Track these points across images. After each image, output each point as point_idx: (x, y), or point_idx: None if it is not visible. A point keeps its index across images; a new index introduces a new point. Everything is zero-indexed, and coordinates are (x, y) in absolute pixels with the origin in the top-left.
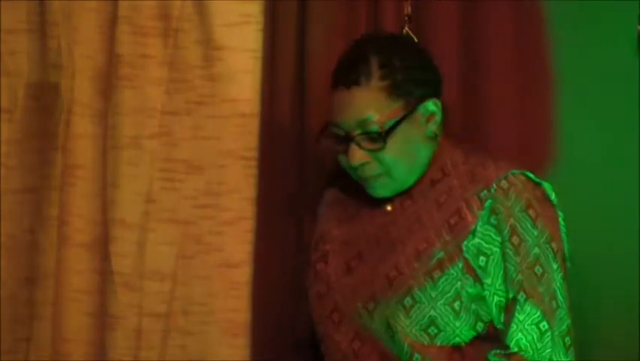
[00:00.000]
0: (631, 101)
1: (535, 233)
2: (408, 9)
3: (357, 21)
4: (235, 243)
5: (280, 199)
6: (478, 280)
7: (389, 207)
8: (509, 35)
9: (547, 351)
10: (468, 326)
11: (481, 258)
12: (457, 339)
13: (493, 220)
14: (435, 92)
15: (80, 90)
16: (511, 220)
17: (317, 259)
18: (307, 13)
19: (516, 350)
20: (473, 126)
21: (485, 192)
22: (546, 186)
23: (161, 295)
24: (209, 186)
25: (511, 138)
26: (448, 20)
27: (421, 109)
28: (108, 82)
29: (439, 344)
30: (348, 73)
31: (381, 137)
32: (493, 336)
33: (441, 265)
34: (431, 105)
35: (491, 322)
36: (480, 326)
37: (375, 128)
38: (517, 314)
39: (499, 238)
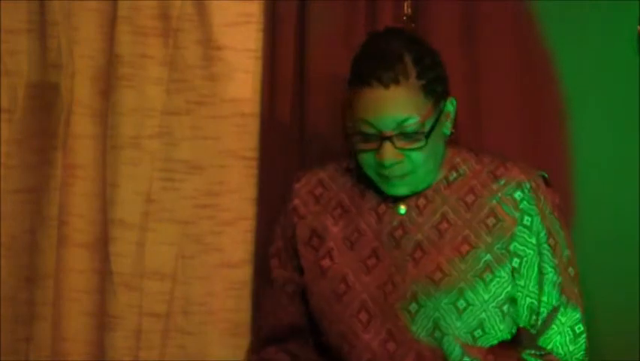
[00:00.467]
0: (631, 101)
1: (563, 235)
2: (408, 9)
3: (357, 21)
4: (235, 243)
5: (280, 199)
6: (513, 282)
7: (402, 206)
8: (509, 36)
9: (580, 353)
10: (508, 328)
11: (515, 260)
12: (495, 341)
13: (526, 222)
14: (449, 90)
15: (80, 90)
16: (546, 222)
17: (320, 256)
18: (307, 13)
19: (550, 350)
20: (474, 128)
21: (519, 193)
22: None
23: (160, 295)
24: (209, 186)
25: (512, 138)
26: (448, 20)
27: (444, 107)
28: (108, 82)
29: (479, 345)
30: (384, 71)
31: (422, 136)
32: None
33: (490, 268)
34: (450, 103)
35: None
36: (514, 329)
37: (414, 128)
38: (559, 316)
39: (532, 240)
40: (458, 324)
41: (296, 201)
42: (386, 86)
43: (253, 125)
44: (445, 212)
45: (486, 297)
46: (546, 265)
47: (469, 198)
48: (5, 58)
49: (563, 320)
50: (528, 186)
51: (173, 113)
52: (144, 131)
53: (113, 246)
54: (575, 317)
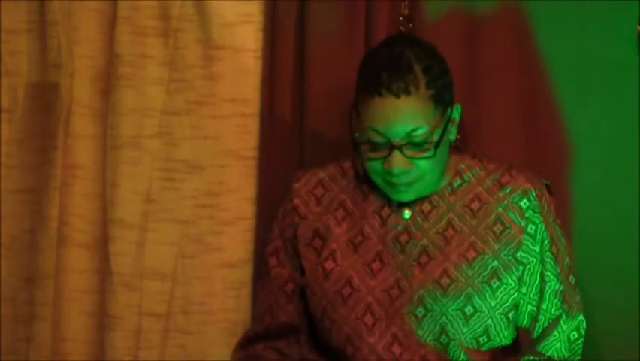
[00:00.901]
0: (631, 101)
1: (564, 243)
2: (405, 9)
3: (356, 21)
4: (235, 243)
5: (280, 199)
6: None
7: (407, 211)
8: (509, 36)
9: (577, 359)
10: (511, 335)
11: (520, 267)
12: (498, 347)
13: (530, 230)
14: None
15: (80, 90)
16: (550, 230)
17: (323, 258)
18: (307, 13)
19: (549, 357)
20: (473, 128)
21: (525, 201)
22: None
23: (160, 295)
24: (209, 186)
25: (512, 138)
26: (448, 20)
27: (451, 114)
28: (108, 82)
29: (483, 350)
30: (395, 81)
31: (431, 146)
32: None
33: (497, 274)
34: (457, 110)
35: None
36: (515, 335)
37: (423, 138)
38: (562, 324)
39: (536, 248)
40: (465, 330)
41: (296, 201)
42: (397, 95)
43: (253, 125)
44: (450, 219)
45: (493, 303)
46: (549, 273)
47: (475, 205)
48: (5, 58)
49: (565, 327)
50: (533, 194)
51: (173, 112)
52: (144, 131)
53: (113, 246)
54: (575, 325)
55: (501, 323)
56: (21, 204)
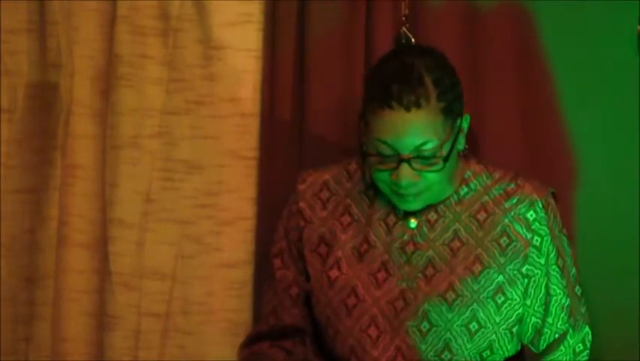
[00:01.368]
0: (631, 101)
1: (570, 252)
2: (405, 9)
3: (356, 21)
4: (234, 243)
5: (280, 199)
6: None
7: (413, 220)
8: (509, 36)
9: None
10: (515, 348)
11: (525, 280)
12: (501, 359)
13: (536, 242)
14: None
15: (80, 90)
16: (556, 242)
17: (328, 266)
18: (307, 13)
19: None
20: (474, 128)
21: (532, 212)
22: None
23: (160, 295)
24: (208, 185)
25: (513, 138)
26: (448, 20)
27: (460, 124)
28: (108, 82)
29: None
30: (405, 94)
31: (440, 160)
32: None
33: (502, 290)
34: (466, 121)
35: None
36: (519, 346)
37: (432, 152)
38: (568, 338)
39: (541, 261)
40: (469, 346)
41: (301, 205)
42: (407, 108)
43: (253, 125)
44: (456, 229)
45: (497, 319)
46: (555, 287)
47: (481, 216)
48: (5, 58)
49: (571, 342)
50: (540, 205)
51: (172, 112)
52: (144, 130)
53: (112, 245)
54: (580, 338)
55: (505, 338)
56: (21, 204)
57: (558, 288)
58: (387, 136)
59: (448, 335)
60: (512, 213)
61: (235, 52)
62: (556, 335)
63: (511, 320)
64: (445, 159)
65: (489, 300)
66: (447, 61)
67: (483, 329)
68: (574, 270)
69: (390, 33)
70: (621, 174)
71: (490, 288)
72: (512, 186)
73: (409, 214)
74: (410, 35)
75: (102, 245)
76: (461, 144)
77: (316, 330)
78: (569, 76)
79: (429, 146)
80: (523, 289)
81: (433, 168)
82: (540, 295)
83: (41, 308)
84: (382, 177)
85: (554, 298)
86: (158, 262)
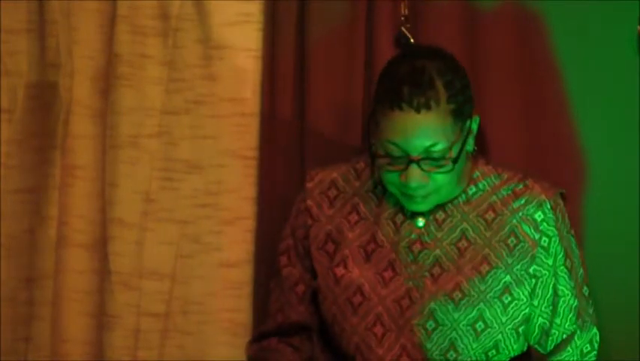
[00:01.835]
0: (631, 101)
1: (578, 253)
2: (404, 10)
3: (356, 21)
4: (234, 242)
5: (280, 199)
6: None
7: (421, 219)
8: (509, 36)
9: None
10: (521, 347)
11: (532, 280)
12: (506, 359)
13: (544, 243)
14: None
15: (80, 90)
16: (564, 243)
17: (335, 264)
18: (307, 13)
19: None
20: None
21: (540, 213)
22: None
23: (159, 295)
24: (208, 185)
25: (513, 138)
26: (447, 21)
27: (470, 126)
28: (107, 81)
29: None
30: (416, 96)
31: (449, 162)
32: None
33: (509, 290)
34: (476, 122)
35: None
36: (525, 346)
37: (442, 153)
38: (575, 339)
39: (549, 261)
40: (474, 345)
41: (309, 202)
42: (417, 110)
43: (253, 125)
44: (464, 229)
45: (504, 319)
46: (563, 288)
47: (489, 216)
48: (5, 58)
49: (579, 342)
50: (548, 206)
51: (172, 112)
52: (143, 130)
53: (112, 245)
54: (588, 338)
55: (511, 338)
56: (21, 204)
57: (566, 289)
58: (396, 137)
59: (454, 334)
60: (520, 214)
61: (235, 52)
62: (564, 336)
63: (517, 320)
64: (455, 161)
65: (496, 300)
66: (457, 63)
67: (489, 329)
68: (582, 271)
69: (390, 33)
70: (621, 173)
71: (497, 288)
72: (521, 186)
73: (416, 213)
74: (410, 35)
75: (102, 245)
76: (470, 146)
77: (323, 327)
78: (568, 76)
79: (438, 147)
80: (530, 290)
81: (442, 170)
82: (547, 296)
83: (41, 308)
84: (391, 179)
85: (562, 298)
86: (157, 261)
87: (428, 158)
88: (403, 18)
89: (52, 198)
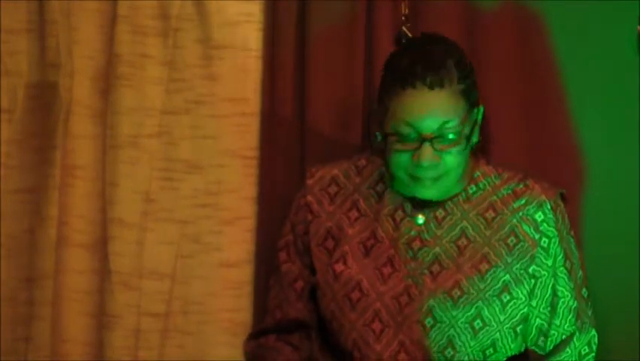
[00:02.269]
0: (631, 101)
1: (577, 255)
2: (405, 9)
3: (356, 21)
4: (234, 242)
5: (280, 199)
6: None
7: (421, 216)
8: (510, 36)
9: None
10: (518, 347)
11: (531, 281)
12: (503, 358)
13: (544, 243)
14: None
15: (80, 90)
16: (564, 244)
17: (335, 260)
18: (307, 13)
19: None
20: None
21: (540, 214)
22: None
23: (159, 295)
24: (208, 185)
25: (514, 138)
26: (447, 20)
27: (476, 115)
28: (107, 81)
29: None
30: (429, 74)
31: (461, 140)
32: None
33: (508, 289)
34: (480, 112)
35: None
36: (523, 347)
37: (454, 130)
38: (574, 341)
39: (548, 262)
40: (472, 343)
41: (309, 198)
42: (430, 87)
43: (253, 125)
44: (464, 227)
45: (502, 318)
46: (562, 289)
47: (489, 215)
48: (5, 58)
49: (578, 344)
50: (549, 206)
51: (172, 112)
52: (143, 130)
53: (112, 245)
54: (586, 340)
55: (509, 336)
56: (21, 204)
57: (566, 290)
58: (410, 116)
59: (452, 331)
60: (520, 214)
61: (235, 52)
62: (563, 337)
63: (515, 319)
64: (467, 138)
65: (494, 298)
66: (462, 49)
67: (487, 327)
68: (581, 272)
69: (390, 33)
70: (621, 173)
71: (497, 287)
72: (521, 186)
73: (416, 210)
74: (410, 35)
75: (102, 245)
76: (476, 137)
77: (321, 324)
78: (568, 76)
79: (451, 125)
80: (529, 289)
81: (455, 149)
82: (546, 297)
83: (41, 308)
84: (402, 160)
85: (562, 300)
86: (157, 261)
87: (441, 136)
88: (403, 17)
89: (52, 198)
